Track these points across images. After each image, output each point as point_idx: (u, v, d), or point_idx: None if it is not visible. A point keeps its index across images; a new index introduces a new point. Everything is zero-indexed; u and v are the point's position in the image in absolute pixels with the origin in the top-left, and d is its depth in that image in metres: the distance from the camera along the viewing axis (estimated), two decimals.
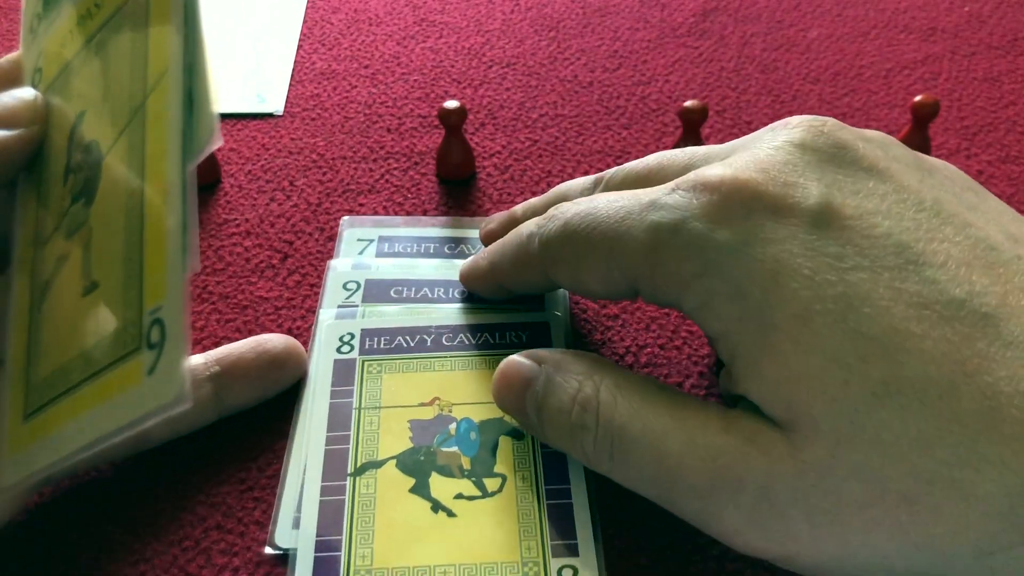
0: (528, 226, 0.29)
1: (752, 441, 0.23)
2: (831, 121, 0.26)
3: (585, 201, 0.27)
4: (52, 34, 0.27)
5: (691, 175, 0.25)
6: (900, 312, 0.22)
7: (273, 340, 0.31)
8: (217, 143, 0.20)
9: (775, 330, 0.22)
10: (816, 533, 0.22)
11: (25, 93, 0.26)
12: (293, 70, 0.47)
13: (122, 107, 0.23)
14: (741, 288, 0.23)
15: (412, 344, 0.32)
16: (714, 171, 0.25)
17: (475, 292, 0.34)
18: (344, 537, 0.27)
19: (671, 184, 0.25)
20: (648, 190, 0.26)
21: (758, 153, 0.25)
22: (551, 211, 0.29)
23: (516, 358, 0.28)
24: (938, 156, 0.41)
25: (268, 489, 0.29)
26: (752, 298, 0.23)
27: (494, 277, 0.32)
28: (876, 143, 0.26)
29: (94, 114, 0.25)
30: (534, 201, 0.34)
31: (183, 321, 0.20)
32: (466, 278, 0.34)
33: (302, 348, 0.32)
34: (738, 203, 0.24)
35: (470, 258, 0.34)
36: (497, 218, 0.36)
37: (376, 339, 0.32)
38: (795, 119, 0.26)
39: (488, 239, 0.35)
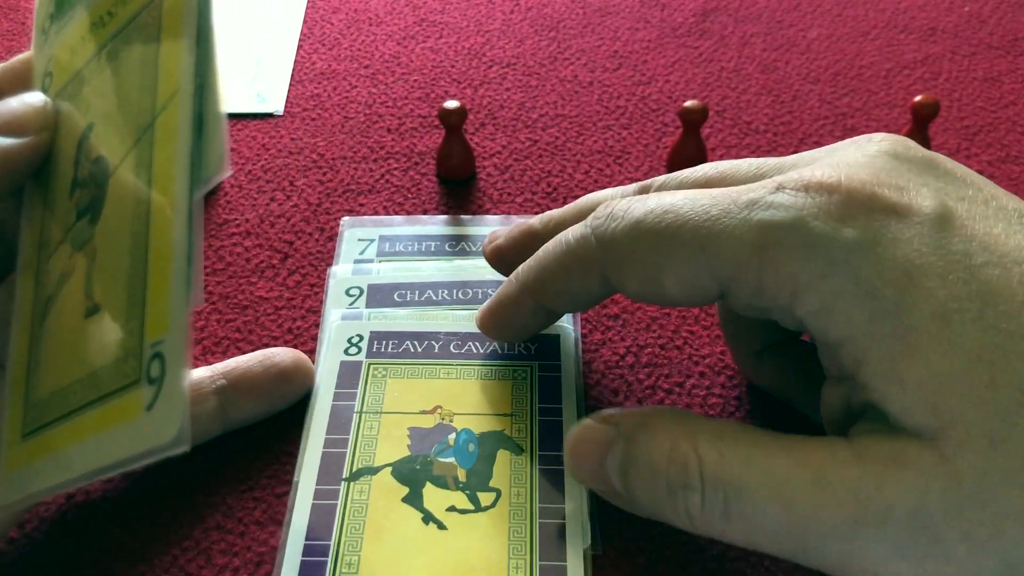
0: (575, 230, 0.27)
1: (896, 461, 0.21)
2: (909, 139, 0.26)
3: (652, 198, 0.25)
4: (64, 39, 0.27)
5: (795, 175, 0.24)
6: None
7: (281, 353, 0.31)
8: (226, 172, 0.20)
9: (914, 331, 0.21)
10: (975, 551, 0.21)
11: (34, 99, 0.26)
12: (293, 70, 0.47)
13: (131, 123, 0.23)
14: (872, 288, 0.22)
15: (420, 349, 0.32)
16: (823, 172, 0.23)
17: (502, 332, 0.31)
18: (332, 543, 0.27)
19: (771, 183, 0.24)
20: (739, 188, 0.24)
21: (856, 159, 0.24)
22: (603, 210, 0.26)
23: (588, 422, 0.26)
24: None
25: (268, 489, 0.29)
26: (885, 299, 0.22)
27: (533, 296, 0.29)
28: (950, 160, 0.26)
29: (103, 127, 0.24)
30: (556, 212, 0.31)
31: (184, 357, 0.20)
32: (490, 315, 0.30)
33: (310, 362, 0.31)
34: (859, 204, 0.23)
35: (487, 301, 0.31)
36: (504, 233, 0.33)
37: (384, 342, 0.32)
38: (877, 135, 0.26)
39: (497, 257, 0.32)
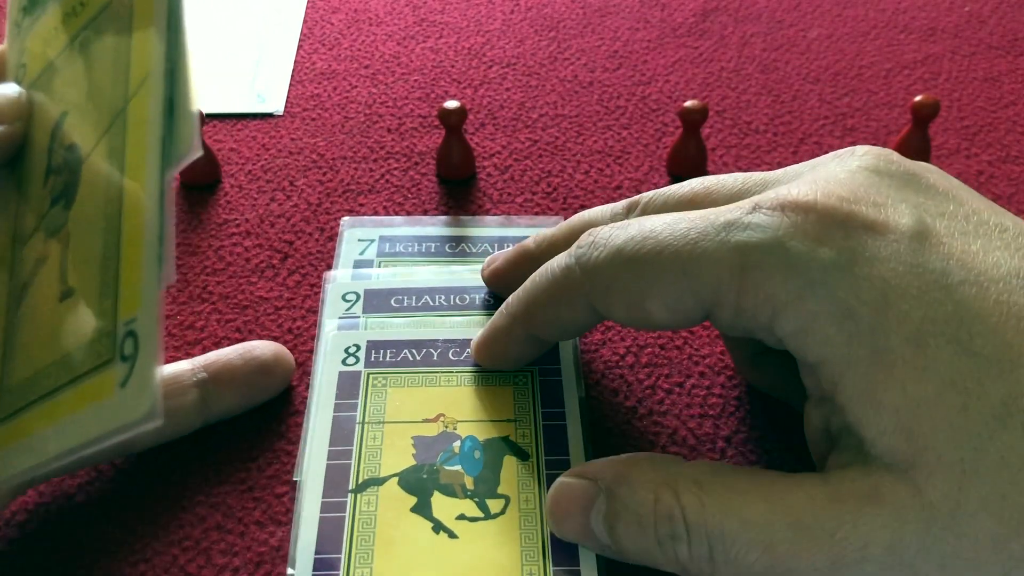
0: (559, 260, 0.27)
1: (870, 499, 0.21)
2: (892, 151, 0.26)
3: (633, 224, 0.25)
4: (37, 30, 0.27)
5: (771, 194, 0.24)
6: (1012, 326, 0.21)
7: (261, 346, 0.31)
8: (196, 153, 0.20)
9: (890, 354, 0.21)
10: None
11: (8, 90, 0.26)
12: (293, 70, 0.47)
13: (104, 110, 0.23)
14: (849, 309, 0.22)
15: (419, 358, 0.32)
16: (799, 190, 0.23)
17: (496, 362, 0.31)
18: (343, 556, 0.26)
19: (747, 203, 0.24)
20: (717, 210, 0.24)
21: (836, 175, 0.24)
22: (586, 238, 0.26)
23: (565, 480, 0.26)
24: (938, 156, 0.41)
25: (268, 489, 0.29)
26: (862, 320, 0.22)
27: (523, 326, 0.29)
28: (935, 172, 0.26)
29: (76, 115, 0.25)
30: (549, 232, 0.32)
31: (156, 334, 0.20)
32: (484, 345, 0.31)
33: (290, 355, 0.31)
34: (836, 222, 0.23)
35: (481, 330, 0.31)
36: (502, 255, 0.33)
37: (382, 351, 0.32)
38: (860, 148, 0.26)
39: (496, 279, 0.33)
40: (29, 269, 0.25)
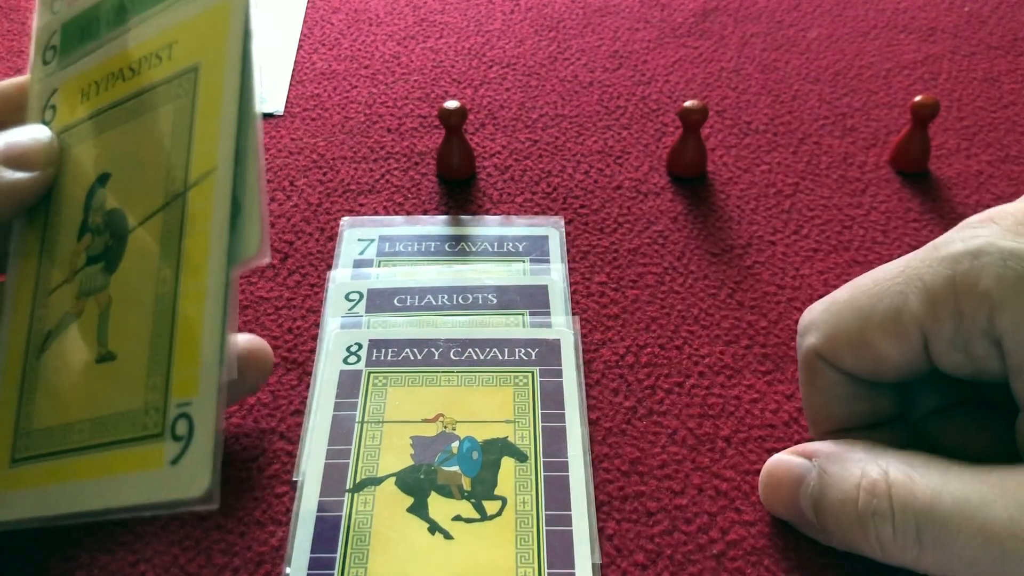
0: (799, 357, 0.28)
1: None
2: None
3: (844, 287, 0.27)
4: (75, 77, 0.27)
5: (980, 214, 0.25)
6: None
7: (236, 340, 0.30)
8: (264, 258, 0.21)
9: None
10: None
11: (41, 133, 0.26)
12: (293, 70, 0.47)
13: (157, 187, 0.23)
14: None
15: (420, 357, 0.32)
16: (1006, 205, 0.25)
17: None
18: (338, 556, 0.26)
19: (957, 226, 0.25)
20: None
21: None
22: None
23: (783, 456, 0.27)
24: (938, 156, 0.41)
25: (268, 489, 0.29)
26: None
27: (815, 430, 0.28)
28: None
29: (122, 181, 0.25)
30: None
31: (215, 421, 0.21)
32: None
33: (268, 348, 0.30)
34: None
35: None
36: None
37: (384, 350, 0.32)
38: None
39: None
40: (56, 320, 0.25)
